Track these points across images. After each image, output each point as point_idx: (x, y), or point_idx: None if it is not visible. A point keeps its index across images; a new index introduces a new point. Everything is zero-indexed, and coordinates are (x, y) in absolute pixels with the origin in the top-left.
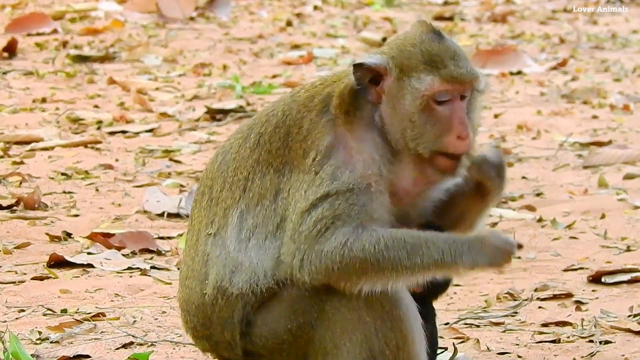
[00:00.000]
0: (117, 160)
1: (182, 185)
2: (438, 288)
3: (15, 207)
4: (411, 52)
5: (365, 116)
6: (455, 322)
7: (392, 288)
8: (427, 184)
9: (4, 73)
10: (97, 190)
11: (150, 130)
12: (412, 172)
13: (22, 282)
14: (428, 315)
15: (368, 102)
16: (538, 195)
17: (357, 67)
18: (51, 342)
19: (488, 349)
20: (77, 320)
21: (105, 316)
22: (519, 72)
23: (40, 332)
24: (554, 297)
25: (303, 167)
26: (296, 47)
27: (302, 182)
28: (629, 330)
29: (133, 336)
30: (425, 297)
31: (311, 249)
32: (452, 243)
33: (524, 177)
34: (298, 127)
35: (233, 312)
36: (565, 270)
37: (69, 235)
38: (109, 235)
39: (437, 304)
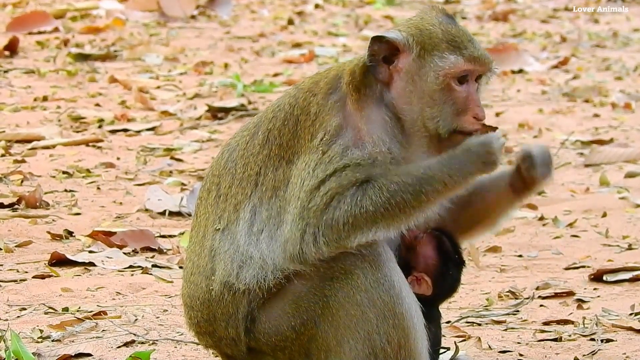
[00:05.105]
0: (118, 158)
1: (183, 184)
2: (445, 293)
3: (16, 206)
4: (432, 32)
5: (375, 95)
6: (457, 321)
7: (405, 228)
8: None
9: (6, 72)
10: (98, 188)
11: (152, 129)
12: (424, 154)
13: (24, 280)
14: (433, 317)
15: (378, 82)
16: (539, 193)
17: (377, 40)
18: (52, 341)
19: (490, 347)
20: (78, 318)
21: (107, 314)
22: (521, 71)
23: (41, 331)
24: (556, 295)
25: (310, 148)
26: (297, 45)
27: (308, 162)
28: (630, 329)
29: (134, 334)
30: (431, 300)
31: (320, 220)
32: (447, 167)
33: None
34: (306, 114)
35: (238, 308)
36: (566, 269)
37: (70, 233)
38: (110, 234)
39: None
